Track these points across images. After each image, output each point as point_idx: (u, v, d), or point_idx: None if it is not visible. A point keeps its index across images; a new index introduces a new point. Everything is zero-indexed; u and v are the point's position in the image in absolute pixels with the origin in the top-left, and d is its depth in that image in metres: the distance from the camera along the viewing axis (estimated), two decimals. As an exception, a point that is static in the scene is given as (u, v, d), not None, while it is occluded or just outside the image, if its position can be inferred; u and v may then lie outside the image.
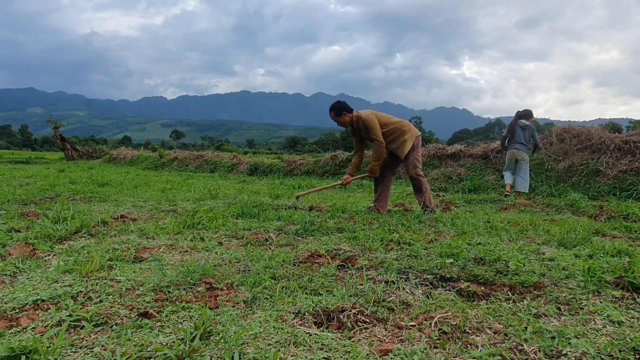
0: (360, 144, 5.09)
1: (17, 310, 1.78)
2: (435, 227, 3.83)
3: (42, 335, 1.51)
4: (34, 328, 1.61)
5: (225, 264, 2.52)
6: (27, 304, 1.84)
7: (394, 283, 2.19)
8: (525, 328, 1.66)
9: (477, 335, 1.60)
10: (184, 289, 2.06)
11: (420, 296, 2.04)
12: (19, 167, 16.34)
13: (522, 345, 1.52)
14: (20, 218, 3.93)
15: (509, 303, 1.96)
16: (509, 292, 2.09)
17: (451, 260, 2.57)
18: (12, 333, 1.56)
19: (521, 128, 6.78)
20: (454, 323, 1.69)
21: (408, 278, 2.29)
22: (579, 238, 3.18)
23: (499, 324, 1.71)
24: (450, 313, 1.79)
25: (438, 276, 2.34)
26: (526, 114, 6.90)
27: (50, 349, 1.40)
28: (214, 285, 2.11)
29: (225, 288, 2.08)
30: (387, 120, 4.85)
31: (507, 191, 6.70)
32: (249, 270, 2.40)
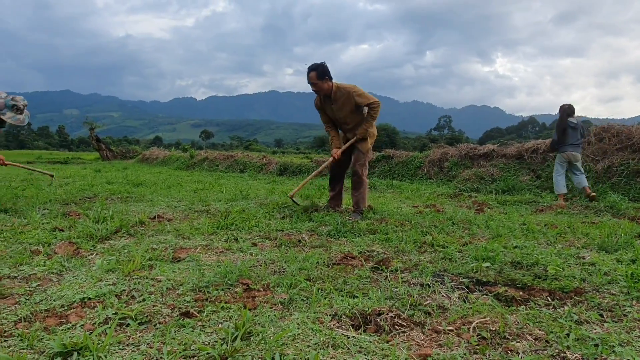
0: (330, 119, 4.67)
1: (66, 308, 1.86)
2: (469, 229, 3.78)
3: (91, 332, 1.58)
4: (82, 325, 1.68)
5: (261, 265, 2.56)
6: (74, 301, 1.92)
7: (429, 286, 2.18)
8: (567, 335, 1.62)
9: (517, 342, 1.58)
10: (222, 290, 2.10)
11: (457, 300, 2.02)
12: (57, 167, 16.96)
13: (565, 353, 1.50)
14: (62, 217, 4.09)
15: (549, 309, 1.92)
16: (548, 297, 2.06)
17: (487, 263, 2.53)
18: (62, 330, 1.64)
19: (572, 128, 6.39)
20: (493, 328, 1.67)
21: (443, 281, 2.27)
22: (620, 242, 3.09)
23: (540, 330, 1.69)
24: (488, 318, 1.77)
25: (474, 280, 2.31)
26: (573, 110, 6.49)
27: (100, 346, 1.46)
28: (250, 286, 2.15)
29: (262, 289, 2.12)
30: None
31: (563, 203, 6.13)
32: (284, 272, 2.43)
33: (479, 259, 2.66)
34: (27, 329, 1.63)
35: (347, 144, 4.59)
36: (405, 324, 1.71)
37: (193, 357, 1.44)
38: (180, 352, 1.44)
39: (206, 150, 21.74)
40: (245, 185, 8.62)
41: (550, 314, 1.85)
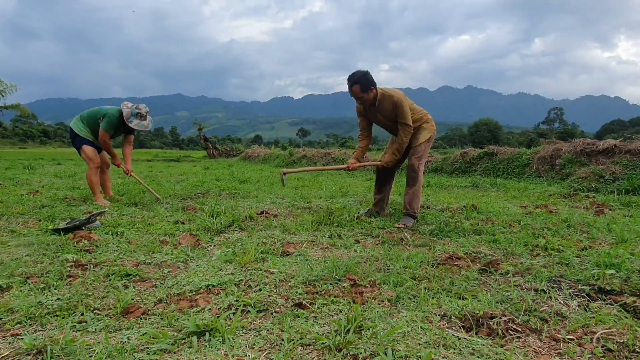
0: (369, 127, 4.32)
1: (194, 293, 2.08)
2: (587, 232, 3.49)
3: (218, 316, 1.75)
4: (210, 309, 1.86)
5: (365, 262, 2.62)
6: (201, 287, 2.14)
7: (544, 292, 2.07)
8: None
9: (651, 357, 1.45)
10: (331, 284, 2.19)
11: (577, 308, 1.90)
12: (172, 165, 18.62)
13: None
14: (182, 211, 4.51)
15: (689, 324, 1.73)
16: (687, 311, 1.85)
17: (612, 271, 2.32)
18: (194, 312, 1.83)
19: None
20: (621, 340, 1.55)
21: (560, 288, 2.14)
22: None
23: (678, 346, 1.53)
24: (614, 329, 1.64)
25: (596, 288, 2.14)
26: None
27: (227, 328, 1.61)
28: (357, 282, 2.21)
29: (368, 285, 2.17)
30: (412, 105, 4.13)
31: None
32: (389, 269, 2.46)
33: (601, 265, 2.45)
34: (165, 309, 1.85)
35: (367, 164, 4.31)
36: (520, 329, 1.65)
37: (309, 345, 1.53)
38: (297, 340, 1.54)
39: (304, 148, 22.43)
40: (343, 182, 8.76)
41: (691, 329, 1.66)
